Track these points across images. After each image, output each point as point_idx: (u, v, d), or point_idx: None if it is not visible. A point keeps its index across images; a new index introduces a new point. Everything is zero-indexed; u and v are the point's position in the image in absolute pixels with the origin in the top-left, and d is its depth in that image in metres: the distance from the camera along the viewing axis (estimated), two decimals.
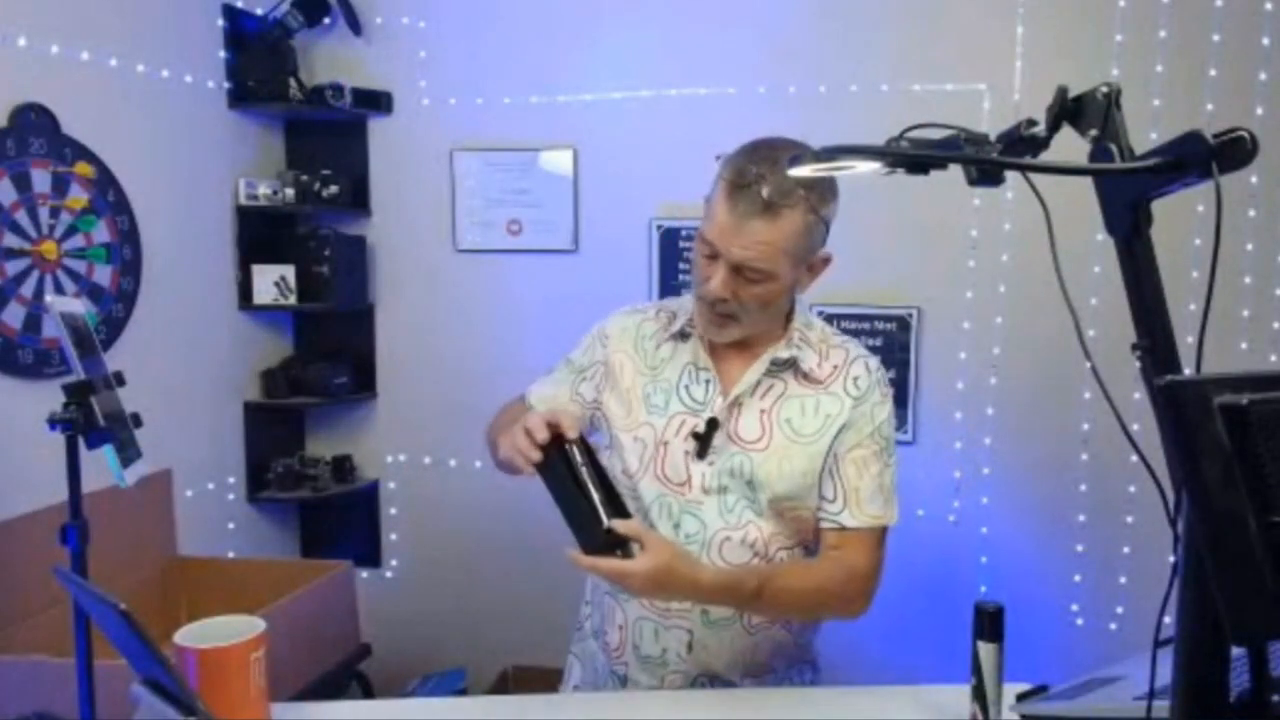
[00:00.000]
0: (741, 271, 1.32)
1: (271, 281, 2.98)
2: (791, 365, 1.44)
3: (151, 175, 2.63)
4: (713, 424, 1.40)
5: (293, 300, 3.00)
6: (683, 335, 1.48)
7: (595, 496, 1.24)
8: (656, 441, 1.43)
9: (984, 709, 1.16)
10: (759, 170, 1.29)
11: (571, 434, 1.26)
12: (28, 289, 2.27)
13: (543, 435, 1.26)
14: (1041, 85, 2.54)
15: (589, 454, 1.27)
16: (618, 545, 1.23)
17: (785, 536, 1.44)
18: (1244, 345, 2.55)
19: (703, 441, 1.41)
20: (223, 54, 2.90)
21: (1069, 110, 0.97)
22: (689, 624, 1.43)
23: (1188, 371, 0.78)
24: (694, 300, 1.43)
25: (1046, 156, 1.02)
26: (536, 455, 1.26)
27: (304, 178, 3.00)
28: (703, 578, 1.29)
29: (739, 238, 1.30)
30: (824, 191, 1.32)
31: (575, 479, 1.25)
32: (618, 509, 1.26)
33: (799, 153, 1.28)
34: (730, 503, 1.42)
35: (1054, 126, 0.99)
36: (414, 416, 3.19)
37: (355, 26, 2.98)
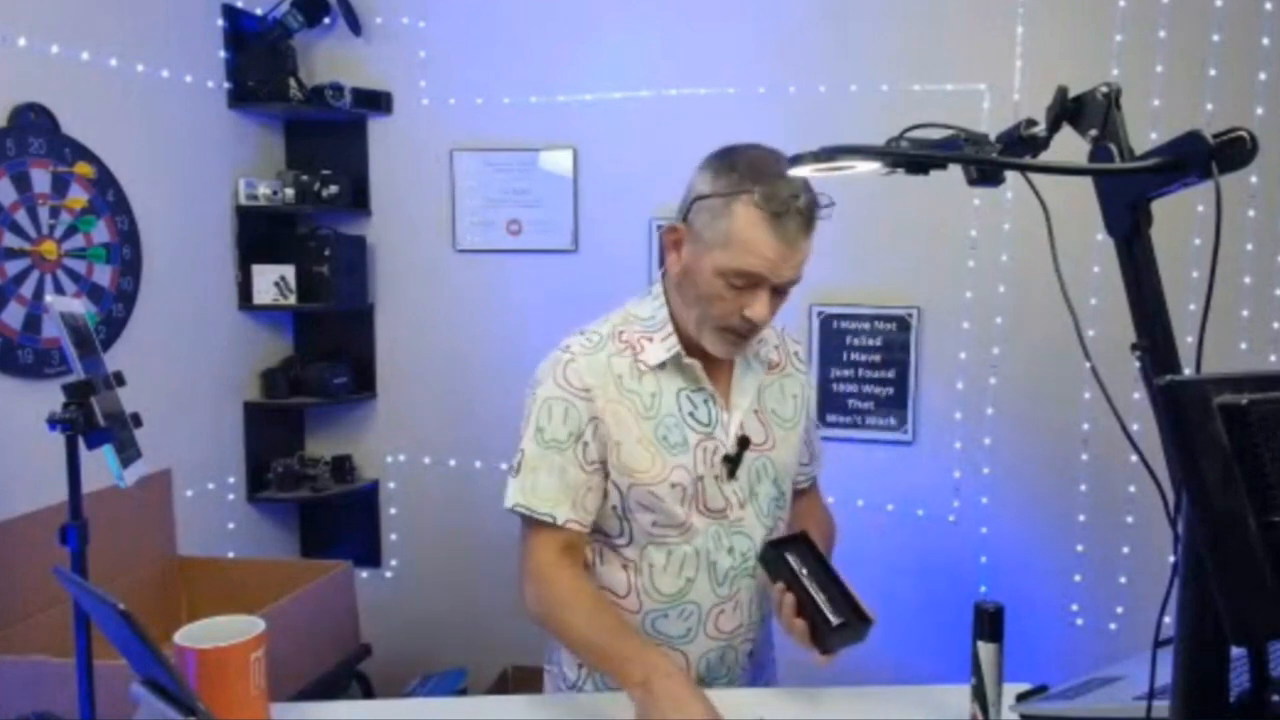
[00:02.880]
0: (779, 289, 1.32)
1: (271, 281, 2.98)
2: (764, 360, 1.49)
3: (151, 175, 2.63)
4: (745, 442, 1.40)
5: (293, 300, 3.00)
6: (660, 365, 1.39)
7: (819, 598, 1.30)
8: (693, 479, 1.38)
9: (984, 709, 1.16)
10: (790, 189, 1.25)
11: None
12: (28, 289, 2.27)
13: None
14: (1041, 85, 2.53)
15: (806, 554, 1.35)
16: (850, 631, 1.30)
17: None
18: (1244, 345, 2.55)
19: (734, 462, 1.40)
20: (223, 54, 2.90)
21: (1069, 110, 0.97)
22: (754, 634, 1.47)
23: (1188, 371, 0.78)
24: (703, 325, 1.35)
25: (1046, 156, 1.02)
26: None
27: (304, 178, 3.00)
28: None
29: (789, 260, 1.28)
30: None
31: (799, 586, 1.31)
32: (840, 599, 1.32)
33: (785, 156, 1.27)
34: (766, 508, 1.45)
35: (1054, 126, 0.99)
36: (414, 416, 3.19)
37: (355, 26, 2.98)
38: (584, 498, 1.37)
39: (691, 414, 1.39)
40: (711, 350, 1.36)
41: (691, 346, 1.39)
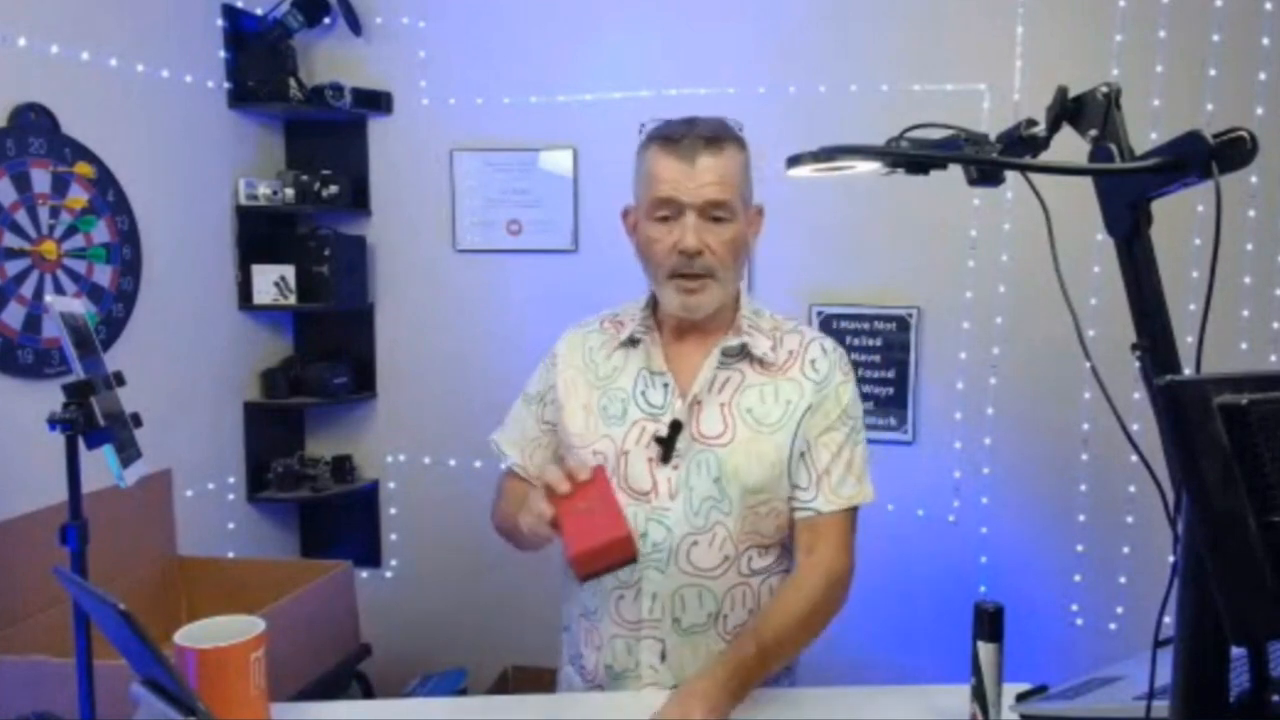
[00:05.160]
0: (706, 213, 1.35)
1: (271, 281, 2.98)
2: (744, 353, 1.43)
3: (151, 175, 2.62)
4: (676, 426, 1.38)
5: (293, 300, 3.00)
6: (632, 341, 1.45)
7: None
8: (617, 453, 1.40)
9: (984, 709, 1.16)
10: (685, 122, 1.37)
11: (583, 475, 1.26)
12: (28, 289, 2.27)
13: (565, 488, 1.24)
14: (1041, 85, 2.53)
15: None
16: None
17: (760, 535, 1.42)
18: (1244, 345, 2.55)
19: (666, 445, 1.38)
20: (223, 54, 2.89)
21: (1069, 110, 0.97)
22: (660, 633, 1.39)
23: (1188, 371, 0.78)
24: (659, 283, 1.39)
25: (1046, 156, 1.02)
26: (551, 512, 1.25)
27: (304, 178, 3.00)
28: (713, 683, 1.26)
29: (695, 177, 1.34)
30: (742, 139, 1.41)
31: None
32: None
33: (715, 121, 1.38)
34: (697, 504, 1.38)
35: (1054, 126, 1.00)
36: (414, 416, 3.19)
37: (355, 26, 2.98)
38: (532, 451, 1.53)
39: (644, 393, 1.43)
40: (674, 309, 1.41)
41: (672, 329, 1.45)
